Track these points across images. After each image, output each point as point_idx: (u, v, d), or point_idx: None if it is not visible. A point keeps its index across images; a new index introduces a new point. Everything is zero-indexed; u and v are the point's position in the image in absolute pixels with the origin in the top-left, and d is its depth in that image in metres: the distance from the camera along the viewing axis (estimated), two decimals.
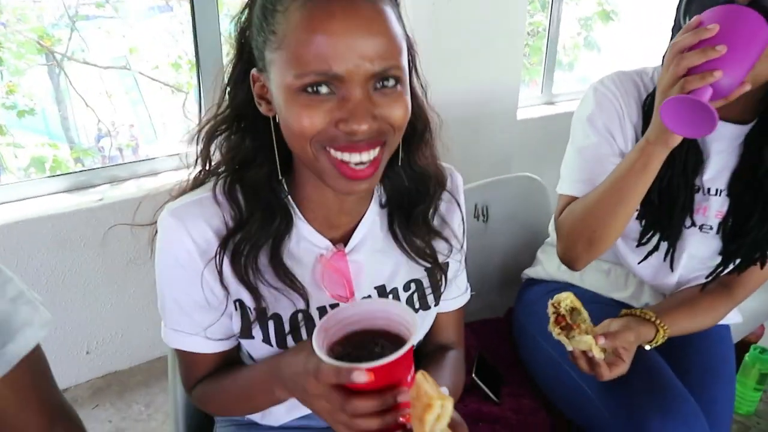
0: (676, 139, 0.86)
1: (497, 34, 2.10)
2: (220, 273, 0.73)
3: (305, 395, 0.63)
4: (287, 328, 0.77)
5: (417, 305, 0.84)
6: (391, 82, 0.64)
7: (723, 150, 1.01)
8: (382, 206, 0.82)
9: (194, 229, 0.72)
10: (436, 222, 0.84)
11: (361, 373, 0.55)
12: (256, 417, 0.89)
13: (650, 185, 0.97)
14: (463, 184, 0.90)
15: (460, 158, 2.26)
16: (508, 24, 2.12)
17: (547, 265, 1.26)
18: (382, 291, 0.82)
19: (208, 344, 0.79)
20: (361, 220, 0.80)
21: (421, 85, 0.77)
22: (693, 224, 1.04)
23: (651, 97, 1.01)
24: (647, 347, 1.02)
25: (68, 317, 1.85)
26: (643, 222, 1.05)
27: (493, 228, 1.40)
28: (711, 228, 1.05)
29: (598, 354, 0.90)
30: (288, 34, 0.62)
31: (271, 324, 0.76)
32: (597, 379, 0.94)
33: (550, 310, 0.93)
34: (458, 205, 0.87)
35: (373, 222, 0.81)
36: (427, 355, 0.92)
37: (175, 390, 1.00)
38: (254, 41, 0.68)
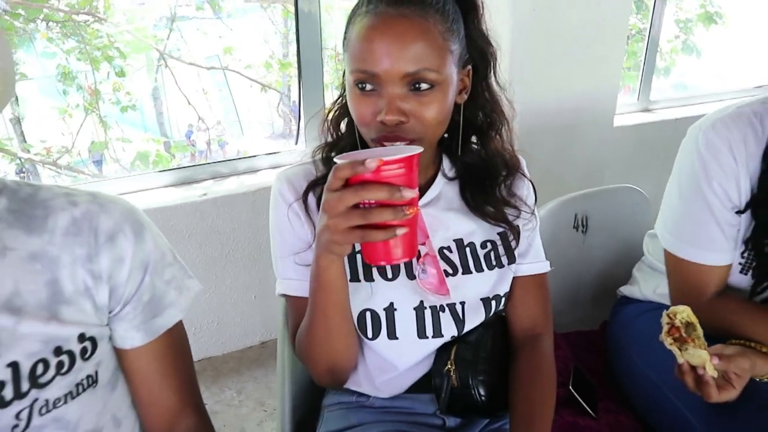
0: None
1: (597, 38, 2.05)
2: (305, 201, 0.88)
3: (322, 219, 0.69)
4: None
5: (494, 263, 0.92)
6: (425, 86, 0.77)
7: None
8: (449, 179, 0.94)
9: (294, 181, 0.90)
10: (504, 193, 0.94)
11: (373, 161, 0.64)
12: (364, 389, 0.94)
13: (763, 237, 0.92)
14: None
15: (554, 162, 2.24)
16: (609, 28, 2.07)
17: (644, 286, 1.22)
18: (460, 244, 0.92)
19: (305, 286, 0.84)
20: (431, 185, 0.92)
21: (499, 85, 0.91)
22: None
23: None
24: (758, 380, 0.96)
25: None
26: (750, 275, 1.00)
27: (592, 239, 1.37)
28: None
29: (711, 371, 0.86)
30: (351, 39, 0.79)
31: (358, 257, 0.88)
32: (704, 400, 0.89)
33: (665, 320, 0.90)
34: (525, 177, 0.97)
35: (443, 188, 0.93)
36: (518, 349, 0.94)
37: (284, 375, 1.05)
38: (343, 44, 0.84)
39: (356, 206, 0.66)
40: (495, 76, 0.90)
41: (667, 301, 1.15)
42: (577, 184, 2.23)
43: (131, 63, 3.21)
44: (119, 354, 0.75)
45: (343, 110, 0.92)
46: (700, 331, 0.90)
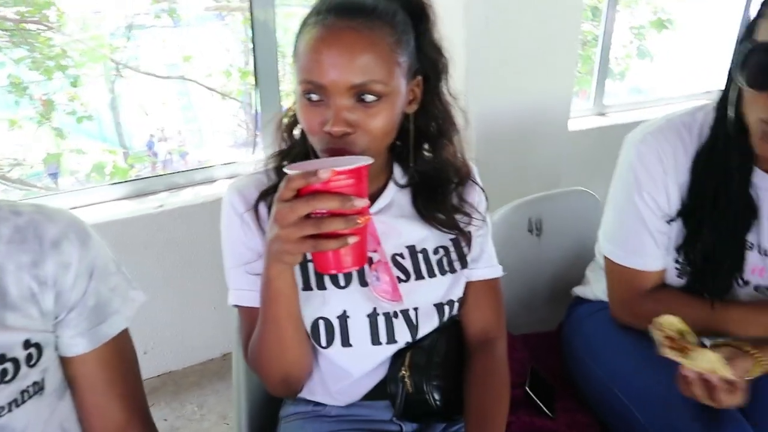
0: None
1: (550, 44, 2.09)
2: (256, 211, 0.87)
3: (273, 229, 0.70)
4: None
5: (446, 268, 0.93)
6: (371, 97, 0.77)
7: None
8: (401, 186, 0.94)
9: (245, 191, 0.89)
10: (456, 200, 0.95)
11: (326, 171, 0.65)
12: (319, 398, 0.94)
13: (694, 242, 0.97)
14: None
15: (511, 168, 2.27)
16: (562, 34, 2.11)
17: (595, 287, 1.25)
18: (412, 250, 0.92)
19: (257, 297, 0.83)
20: (382, 193, 0.92)
21: (450, 93, 0.91)
22: (746, 283, 1.02)
23: (701, 155, 0.98)
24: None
25: None
26: (684, 277, 1.04)
27: (546, 242, 1.40)
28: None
29: (724, 371, 0.81)
30: (300, 50, 0.79)
31: (310, 266, 0.88)
32: (716, 406, 0.86)
33: (657, 334, 0.88)
34: (477, 185, 0.98)
35: (394, 196, 0.93)
36: (472, 353, 0.95)
37: (239, 387, 1.04)
38: (293, 54, 0.84)
39: (307, 216, 0.67)
40: (447, 86, 0.91)
41: None
42: (534, 189, 2.26)
43: (87, 72, 3.14)
44: (65, 363, 0.76)
45: (296, 118, 0.92)
46: (693, 336, 0.89)
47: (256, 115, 2.07)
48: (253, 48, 1.95)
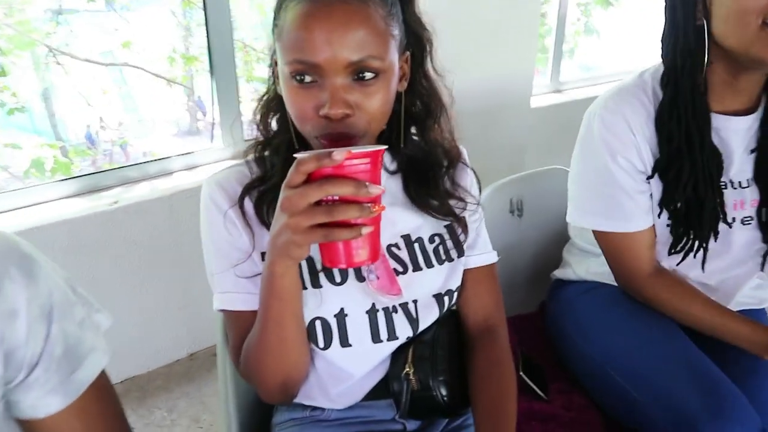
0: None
1: (511, 22, 2.08)
2: (241, 207, 0.81)
3: (280, 219, 0.64)
4: (319, 267, 0.82)
5: (443, 257, 0.89)
6: (369, 75, 0.71)
7: (741, 142, 1.03)
8: (391, 173, 0.89)
9: (226, 185, 0.83)
10: (448, 185, 0.90)
11: (341, 152, 0.60)
12: (318, 402, 0.89)
13: (674, 193, 1.00)
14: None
15: (477, 146, 2.24)
16: (522, 11, 2.10)
17: (577, 268, 1.25)
18: (408, 240, 0.88)
19: (252, 299, 0.80)
20: None
21: (436, 71, 0.86)
22: (734, 220, 1.05)
23: (661, 113, 1.01)
24: None
25: None
26: (672, 230, 1.05)
27: (527, 222, 1.38)
28: (752, 218, 1.06)
29: None
30: (284, 27, 0.72)
31: (303, 264, 0.82)
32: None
33: None
34: (468, 167, 0.95)
35: (385, 183, 0.86)
36: (474, 344, 0.92)
37: (227, 395, 0.97)
38: (272, 33, 0.77)
39: (318, 204, 0.62)
40: (432, 62, 0.86)
41: (602, 279, 1.18)
42: (500, 167, 2.26)
43: (14, 60, 2.91)
44: (28, 426, 0.60)
45: (271, 106, 0.85)
46: None
47: (211, 101, 1.95)
48: (207, 31, 1.84)
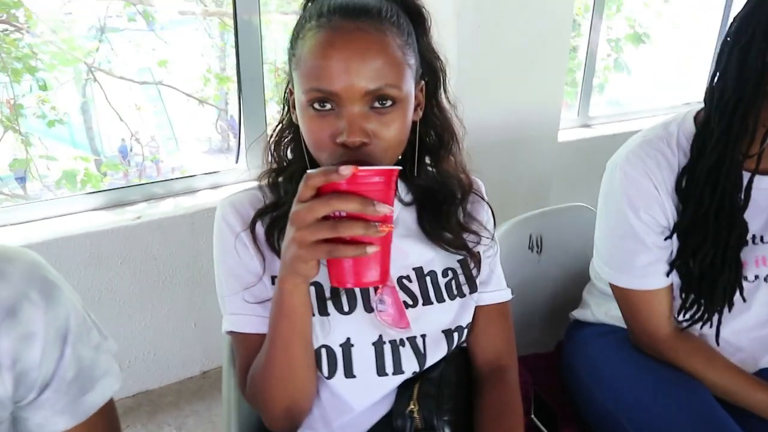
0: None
1: (540, 55, 2.08)
2: (253, 231, 0.82)
3: (289, 232, 0.65)
4: (328, 294, 0.82)
5: (455, 292, 0.88)
6: (387, 103, 0.72)
7: (766, 200, 0.99)
8: (405, 204, 0.89)
9: (240, 208, 0.84)
10: (462, 218, 0.90)
11: (348, 168, 0.60)
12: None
13: (691, 258, 0.96)
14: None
15: (501, 179, 2.24)
16: (551, 45, 2.10)
17: (596, 310, 1.21)
18: (419, 273, 0.87)
19: (260, 322, 0.81)
20: None
21: (449, 101, 0.87)
22: (756, 278, 1.01)
23: (684, 172, 0.98)
24: None
25: None
26: (682, 293, 1.02)
27: (546, 259, 1.35)
28: None
29: None
30: (302, 56, 0.72)
31: (312, 290, 0.81)
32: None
33: None
34: (484, 201, 0.94)
35: (400, 213, 0.88)
36: (482, 383, 0.90)
37: (230, 415, 0.96)
38: (288, 61, 0.78)
39: (327, 219, 0.62)
40: (445, 92, 0.86)
41: (621, 324, 1.14)
42: (524, 200, 2.25)
43: (57, 76, 3.02)
44: None
45: (286, 135, 0.86)
46: None
47: (239, 121, 1.99)
48: (237, 53, 1.88)
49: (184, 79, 3.46)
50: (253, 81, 1.95)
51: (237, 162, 2.06)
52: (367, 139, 0.72)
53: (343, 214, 0.62)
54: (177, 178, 1.97)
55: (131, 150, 3.96)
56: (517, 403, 0.88)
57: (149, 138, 4.06)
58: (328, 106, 0.71)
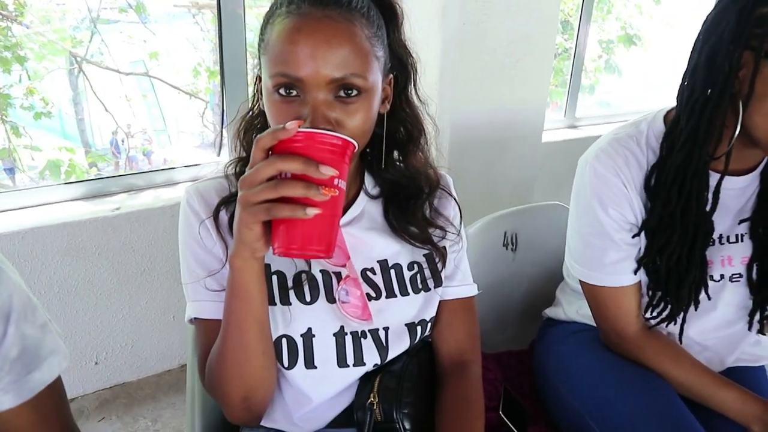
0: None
1: (526, 55, 2.07)
2: (216, 219, 0.81)
3: (239, 200, 0.64)
4: (290, 284, 0.82)
5: (420, 286, 0.88)
6: (352, 92, 0.72)
7: (737, 201, 1.00)
8: (372, 197, 0.89)
9: (206, 195, 0.83)
10: (429, 213, 0.90)
11: (293, 123, 0.60)
12: (281, 425, 0.87)
13: (658, 256, 0.96)
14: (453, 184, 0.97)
15: (484, 179, 2.23)
16: (537, 45, 2.09)
17: (567, 308, 1.22)
18: (384, 265, 0.87)
19: (217, 308, 0.79)
20: (352, 204, 0.87)
21: (419, 99, 0.86)
22: (722, 277, 1.01)
23: (653, 171, 0.98)
24: None
25: (79, 326, 1.82)
26: (649, 290, 1.02)
27: (521, 257, 1.35)
28: (741, 276, 1.02)
29: None
30: (270, 42, 0.72)
31: (274, 279, 0.82)
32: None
33: None
34: (451, 197, 0.94)
35: (365, 207, 0.88)
36: (444, 377, 0.89)
37: (193, 411, 0.96)
38: (258, 47, 0.78)
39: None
40: (416, 89, 0.86)
41: (591, 322, 1.14)
42: (507, 200, 2.25)
43: (47, 66, 3.00)
44: None
45: (256, 123, 0.85)
46: None
47: (221, 114, 1.98)
48: (220, 46, 1.87)
49: (174, 72, 3.45)
50: (236, 74, 1.94)
51: (218, 155, 2.06)
52: (331, 127, 0.71)
53: (289, 176, 0.61)
54: (158, 170, 1.96)
55: (122, 142, 3.94)
56: (478, 397, 0.88)
57: (140, 130, 4.05)
58: (294, 92, 0.71)
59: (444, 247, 0.90)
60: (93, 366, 1.88)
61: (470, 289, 0.94)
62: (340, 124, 0.72)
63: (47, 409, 0.65)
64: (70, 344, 1.82)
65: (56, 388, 0.67)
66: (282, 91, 0.71)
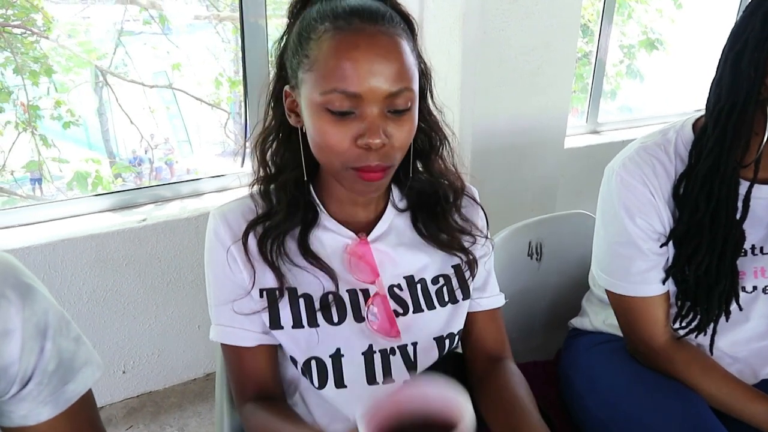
0: None
1: (547, 61, 2.06)
2: (245, 245, 0.80)
3: None
4: (317, 306, 0.81)
5: (446, 298, 0.88)
6: (402, 106, 0.72)
7: (765, 210, 0.98)
8: (400, 210, 0.89)
9: (232, 219, 0.82)
10: (458, 218, 0.90)
11: None
12: None
13: (686, 266, 0.95)
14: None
15: (507, 186, 2.23)
16: (558, 51, 2.08)
17: (593, 318, 1.20)
18: (410, 281, 0.86)
19: (247, 335, 0.82)
20: (381, 217, 0.87)
21: (436, 107, 0.87)
22: (754, 289, 0.99)
23: (682, 179, 0.97)
24: None
25: (107, 336, 1.85)
26: (678, 301, 1.01)
27: (546, 267, 1.34)
28: None
29: None
30: (319, 58, 0.70)
31: (302, 302, 0.81)
32: None
33: None
34: (478, 205, 0.94)
35: (393, 220, 0.88)
36: (482, 377, 0.89)
37: (222, 413, 0.97)
38: (289, 62, 0.77)
39: None
40: (431, 97, 0.87)
41: (618, 332, 1.13)
42: (530, 206, 2.23)
43: (73, 78, 3.06)
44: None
45: (276, 139, 0.84)
46: None
47: (244, 125, 2.01)
48: (243, 56, 1.90)
49: (196, 83, 3.49)
50: (259, 84, 1.97)
51: (242, 166, 2.08)
52: (387, 140, 0.72)
53: None
54: (184, 181, 1.99)
55: (145, 152, 4.00)
56: (521, 378, 0.86)
57: (163, 140, 4.11)
58: (348, 108, 0.70)
59: (474, 255, 0.90)
60: (121, 375, 1.91)
61: (499, 300, 0.94)
62: (391, 137, 0.73)
63: (81, 418, 0.67)
64: (99, 353, 1.82)
65: (88, 398, 0.69)
66: (334, 109, 0.70)
